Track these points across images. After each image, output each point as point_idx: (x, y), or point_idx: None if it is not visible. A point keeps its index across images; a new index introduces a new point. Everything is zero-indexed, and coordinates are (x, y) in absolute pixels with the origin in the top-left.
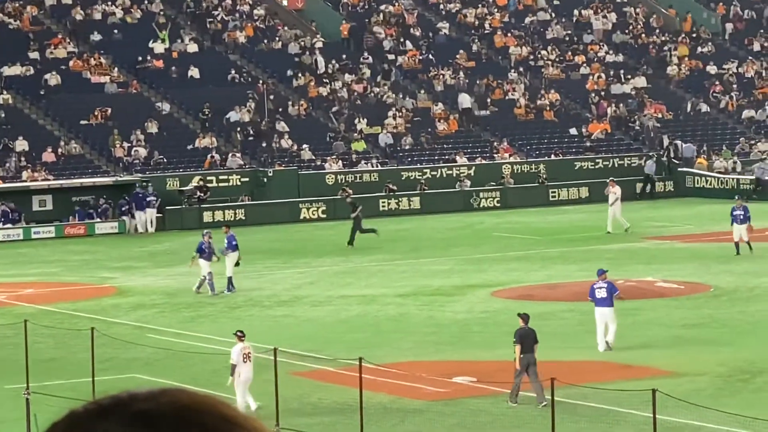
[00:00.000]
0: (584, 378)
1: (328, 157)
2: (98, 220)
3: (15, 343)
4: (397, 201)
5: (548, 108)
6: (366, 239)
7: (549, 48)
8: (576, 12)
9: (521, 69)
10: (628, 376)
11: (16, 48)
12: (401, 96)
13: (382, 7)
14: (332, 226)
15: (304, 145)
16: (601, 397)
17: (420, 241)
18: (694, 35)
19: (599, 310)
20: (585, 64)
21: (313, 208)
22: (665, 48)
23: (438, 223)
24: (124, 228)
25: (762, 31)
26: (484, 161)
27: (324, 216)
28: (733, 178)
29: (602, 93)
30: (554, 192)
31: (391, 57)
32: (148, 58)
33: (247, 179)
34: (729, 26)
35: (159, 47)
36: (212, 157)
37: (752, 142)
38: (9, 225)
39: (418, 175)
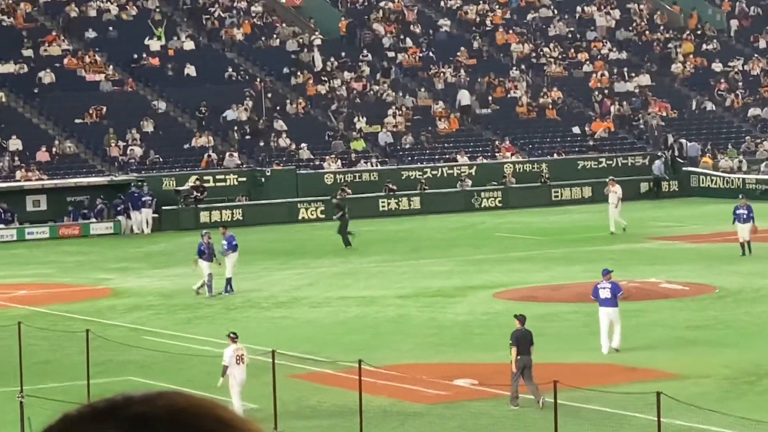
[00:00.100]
0: (588, 380)
1: (327, 157)
2: (93, 220)
3: (8, 345)
4: (397, 201)
5: (551, 106)
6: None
7: (551, 45)
8: (579, 8)
9: (523, 66)
10: (632, 378)
11: (9, 45)
12: (401, 94)
13: (382, 4)
14: (331, 227)
15: (303, 144)
16: (604, 400)
17: (420, 242)
18: (699, 32)
19: (603, 310)
20: (588, 62)
21: (312, 208)
22: (670, 45)
23: (438, 223)
24: (120, 228)
25: None
26: (485, 160)
27: (323, 216)
28: (738, 178)
29: (606, 91)
30: (557, 192)
31: (390, 54)
32: (144, 55)
33: (244, 179)
34: (734, 23)
35: (155, 45)
36: (209, 156)
37: (758, 140)
38: (2, 225)
39: (419, 175)
